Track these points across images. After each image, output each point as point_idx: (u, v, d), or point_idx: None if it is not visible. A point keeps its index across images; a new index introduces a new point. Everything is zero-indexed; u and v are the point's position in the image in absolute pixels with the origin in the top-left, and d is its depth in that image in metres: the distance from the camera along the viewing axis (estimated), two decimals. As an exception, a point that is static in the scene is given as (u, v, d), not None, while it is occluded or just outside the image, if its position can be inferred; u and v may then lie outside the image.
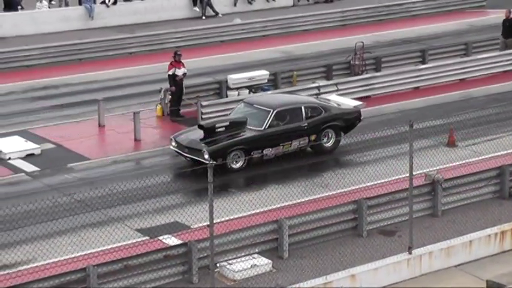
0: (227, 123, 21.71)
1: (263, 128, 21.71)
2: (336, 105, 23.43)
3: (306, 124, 22.06)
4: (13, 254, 16.82)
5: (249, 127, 21.73)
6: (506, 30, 30.99)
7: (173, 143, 21.90)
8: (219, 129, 21.46)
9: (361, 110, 23.57)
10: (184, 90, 26.09)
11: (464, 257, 17.17)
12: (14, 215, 17.94)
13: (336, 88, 27.14)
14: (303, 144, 22.11)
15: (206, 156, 20.60)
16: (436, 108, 26.25)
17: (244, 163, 21.29)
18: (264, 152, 21.46)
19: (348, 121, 23.06)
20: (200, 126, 21.65)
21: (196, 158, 20.99)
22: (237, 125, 21.75)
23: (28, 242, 17.27)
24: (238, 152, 21.26)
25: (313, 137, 22.14)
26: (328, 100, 23.87)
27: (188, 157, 21.46)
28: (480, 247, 17.38)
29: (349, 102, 24.11)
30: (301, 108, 22.33)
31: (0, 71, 31.06)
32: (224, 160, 20.58)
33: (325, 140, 22.51)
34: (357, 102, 24.20)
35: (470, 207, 19.30)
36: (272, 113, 21.88)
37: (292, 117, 22.09)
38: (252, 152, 21.38)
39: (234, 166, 21.27)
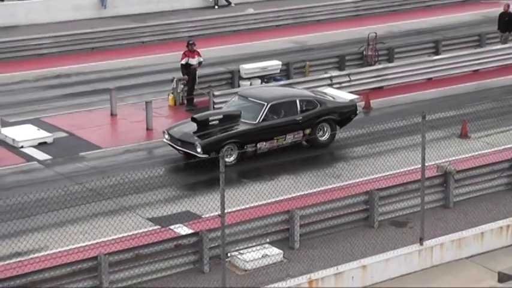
0: (221, 116, 21.44)
1: (257, 121, 21.40)
2: (331, 98, 23.13)
3: (300, 118, 21.77)
4: (25, 242, 16.89)
5: (242, 120, 21.42)
6: (503, 24, 30.69)
7: (166, 136, 21.69)
8: (212, 123, 21.20)
9: (357, 103, 23.39)
10: (197, 80, 26.08)
11: (476, 248, 17.18)
12: (26, 203, 17.92)
13: (349, 78, 27.15)
14: (298, 138, 21.83)
15: (199, 150, 20.46)
16: (449, 100, 26.23)
17: (237, 157, 20.96)
18: (258, 145, 21.19)
19: (344, 115, 22.73)
20: (193, 119, 21.33)
21: (189, 151, 20.78)
22: (231, 118, 21.43)
23: (40, 230, 17.38)
24: (231, 146, 20.95)
25: (308, 131, 21.88)
26: (324, 93, 23.62)
27: (181, 150, 21.22)
28: (492, 239, 17.38)
29: (345, 96, 23.93)
30: (295, 101, 22.03)
31: (13, 59, 31.18)
32: (217, 154, 20.03)
33: (320, 133, 22.23)
34: (353, 96, 24.04)
35: (482, 199, 19.24)
36: (266, 107, 21.54)
37: (286, 110, 21.79)
38: (245, 145, 21.07)
39: (227, 160, 20.59)
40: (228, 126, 21.21)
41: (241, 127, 21.25)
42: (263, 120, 21.41)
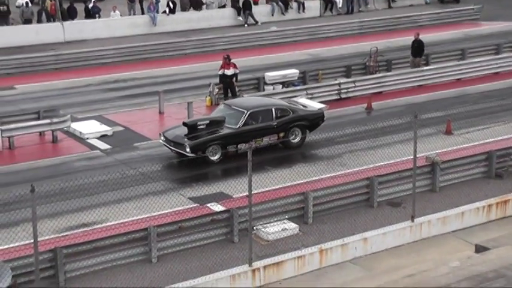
0: (207, 122, 20.86)
1: (238, 126, 20.74)
2: (302, 107, 22.54)
3: (275, 123, 21.18)
4: (90, 215, 17.12)
5: (226, 125, 20.77)
6: (415, 50, 29.70)
7: (162, 138, 21.00)
8: (200, 127, 20.61)
9: (325, 111, 22.77)
10: (237, 89, 25.99)
11: (457, 225, 17.15)
12: (90, 183, 18.22)
13: (354, 85, 27.06)
14: (273, 141, 21.19)
15: (188, 150, 19.98)
16: (436, 103, 26.06)
17: (221, 156, 20.41)
18: (239, 146, 20.57)
19: (313, 121, 22.10)
20: (184, 124, 20.78)
21: (180, 151, 20.28)
22: (216, 123, 20.84)
23: (101, 205, 17.51)
24: (216, 147, 20.33)
25: (281, 134, 21.29)
26: (296, 102, 22.98)
27: (173, 150, 20.65)
28: (470, 217, 17.34)
29: (314, 105, 23.21)
30: (271, 109, 21.37)
31: (81, 67, 31.37)
32: (203, 153, 19.95)
33: (292, 137, 21.61)
34: (321, 105, 23.33)
35: (463, 185, 19.16)
36: (246, 114, 20.91)
37: (263, 117, 21.14)
38: (228, 146, 20.50)
39: (212, 158, 20.28)
40: (213, 130, 20.62)
41: (224, 131, 20.65)
42: (243, 125, 20.79)
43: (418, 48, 29.66)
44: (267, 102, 22.33)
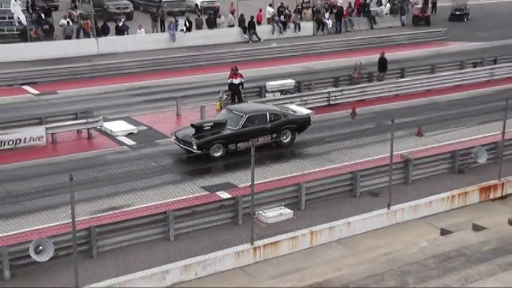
0: (212, 124, 20.72)
1: (237, 128, 20.57)
2: (292, 112, 22.38)
3: (269, 126, 21.02)
4: (118, 200, 17.15)
5: (227, 127, 20.60)
6: (380, 66, 29.45)
7: (173, 137, 20.74)
8: (205, 128, 20.44)
9: (311, 116, 22.61)
10: (243, 95, 25.90)
11: (426, 212, 17.16)
12: (119, 174, 18.31)
13: (341, 93, 27.03)
14: (267, 140, 21.00)
15: (194, 147, 19.83)
16: (410, 109, 26.02)
17: (223, 153, 20.29)
18: (238, 145, 20.46)
19: (301, 124, 21.89)
20: (192, 125, 20.60)
21: (188, 148, 20.15)
22: (219, 125, 20.66)
23: (128, 192, 17.50)
24: (218, 145, 20.18)
25: (274, 135, 21.16)
26: (288, 108, 22.85)
27: (182, 147, 20.49)
28: (437, 205, 17.36)
29: (302, 111, 23.07)
30: (266, 114, 21.21)
31: (112, 75, 31.29)
32: (207, 150, 19.86)
33: (283, 137, 21.43)
34: (309, 111, 23.23)
35: (431, 178, 19.20)
36: (244, 117, 20.74)
37: (259, 120, 20.97)
38: (229, 145, 20.37)
39: (215, 155, 20.12)
40: (217, 130, 20.46)
41: (226, 132, 20.50)
42: (242, 127, 20.63)
43: (383, 64, 29.50)
44: (262, 107, 22.19)
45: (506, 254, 9.91)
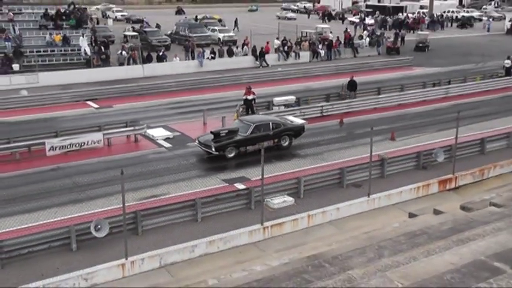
0: (226, 131, 20.46)
1: (247, 134, 20.36)
2: (290, 122, 22.16)
3: (272, 133, 20.82)
4: (157, 190, 17.13)
5: (239, 133, 20.36)
6: (350, 86, 28.88)
7: (196, 141, 20.43)
8: (222, 134, 20.20)
9: (305, 125, 22.28)
10: (255, 108, 25.69)
11: (398, 199, 16.99)
12: (158, 170, 18.27)
13: (332, 107, 26.83)
14: (270, 144, 20.64)
15: (213, 149, 19.68)
16: (385, 119, 25.82)
17: (235, 154, 20.01)
18: (247, 148, 20.21)
19: (297, 132, 21.62)
20: (211, 132, 20.40)
21: (208, 150, 19.97)
22: (232, 132, 20.38)
23: (165, 184, 17.52)
24: (232, 148, 19.98)
25: (276, 140, 20.94)
26: (286, 119, 22.59)
27: (204, 150, 20.23)
28: (406, 194, 17.18)
29: (298, 121, 22.74)
30: (269, 123, 20.99)
31: (154, 93, 31.20)
32: (223, 152, 19.72)
33: (283, 142, 21.16)
34: (303, 121, 22.88)
35: (401, 173, 19.01)
36: (252, 126, 20.54)
37: (264, 128, 20.75)
38: (240, 148, 20.16)
39: (229, 155, 19.80)
40: (231, 136, 20.21)
41: (238, 137, 20.23)
42: (251, 133, 20.41)
43: (353, 85, 29.16)
44: (266, 118, 22.00)
45: (459, 232, 9.84)
